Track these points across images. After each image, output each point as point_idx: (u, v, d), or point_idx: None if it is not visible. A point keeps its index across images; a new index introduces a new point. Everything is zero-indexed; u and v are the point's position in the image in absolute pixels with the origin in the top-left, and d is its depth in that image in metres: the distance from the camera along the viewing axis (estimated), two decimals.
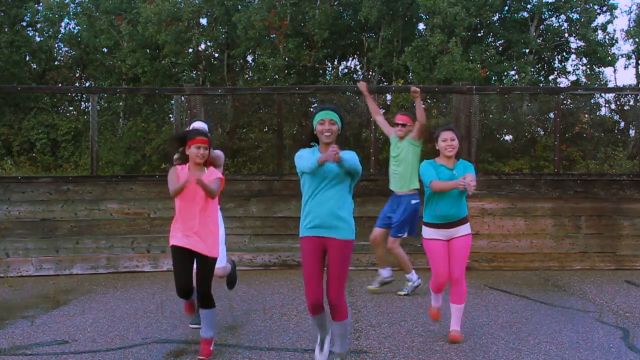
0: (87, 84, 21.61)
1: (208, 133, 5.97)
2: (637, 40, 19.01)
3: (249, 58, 20.76)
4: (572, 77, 19.83)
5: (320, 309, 4.44)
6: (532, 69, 18.73)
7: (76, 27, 21.03)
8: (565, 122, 15.97)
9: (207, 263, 4.93)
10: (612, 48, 18.89)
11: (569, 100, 16.68)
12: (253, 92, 13.41)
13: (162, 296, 7.32)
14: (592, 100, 17.62)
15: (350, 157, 4.33)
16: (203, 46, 19.83)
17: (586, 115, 17.72)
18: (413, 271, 7.37)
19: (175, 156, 5.08)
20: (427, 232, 5.47)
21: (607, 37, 19.03)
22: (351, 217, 4.48)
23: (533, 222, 9.11)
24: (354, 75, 20.66)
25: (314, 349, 4.72)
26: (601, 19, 28.60)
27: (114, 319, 6.25)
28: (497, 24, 19.40)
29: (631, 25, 19.52)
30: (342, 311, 4.43)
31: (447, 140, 5.33)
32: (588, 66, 19.43)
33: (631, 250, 9.12)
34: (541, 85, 18.81)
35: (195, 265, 4.95)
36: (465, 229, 5.43)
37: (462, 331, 5.50)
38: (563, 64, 20.12)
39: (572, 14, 19.01)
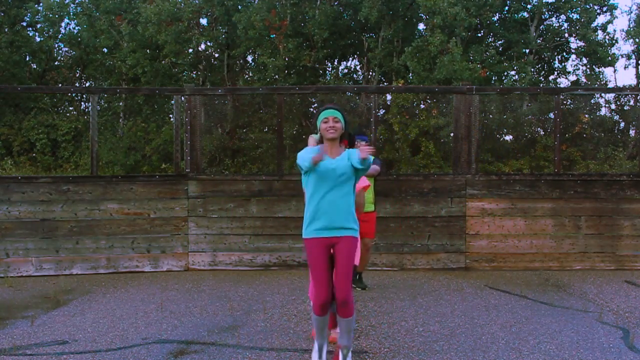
0: (87, 84, 21.61)
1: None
2: (637, 40, 18.98)
3: (249, 58, 20.76)
4: (572, 77, 19.83)
5: (327, 309, 4.48)
6: (532, 69, 18.71)
7: (76, 27, 21.03)
8: (565, 122, 15.97)
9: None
10: (612, 48, 18.87)
11: (569, 101, 16.68)
12: (253, 92, 13.40)
13: (162, 296, 7.32)
14: (592, 101, 17.61)
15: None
16: (203, 46, 19.83)
17: (586, 116, 17.71)
18: None
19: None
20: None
21: (607, 37, 19.02)
22: (355, 215, 4.57)
23: (533, 222, 9.11)
24: (354, 75, 20.66)
25: (311, 352, 4.71)
26: (601, 19, 28.67)
27: (114, 319, 6.25)
28: (497, 24, 19.38)
29: (631, 25, 19.49)
30: (350, 307, 4.46)
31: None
32: (588, 66, 19.40)
33: (631, 250, 9.13)
34: (541, 85, 18.79)
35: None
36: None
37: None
38: (563, 64, 20.10)
39: (572, 14, 18.99)
